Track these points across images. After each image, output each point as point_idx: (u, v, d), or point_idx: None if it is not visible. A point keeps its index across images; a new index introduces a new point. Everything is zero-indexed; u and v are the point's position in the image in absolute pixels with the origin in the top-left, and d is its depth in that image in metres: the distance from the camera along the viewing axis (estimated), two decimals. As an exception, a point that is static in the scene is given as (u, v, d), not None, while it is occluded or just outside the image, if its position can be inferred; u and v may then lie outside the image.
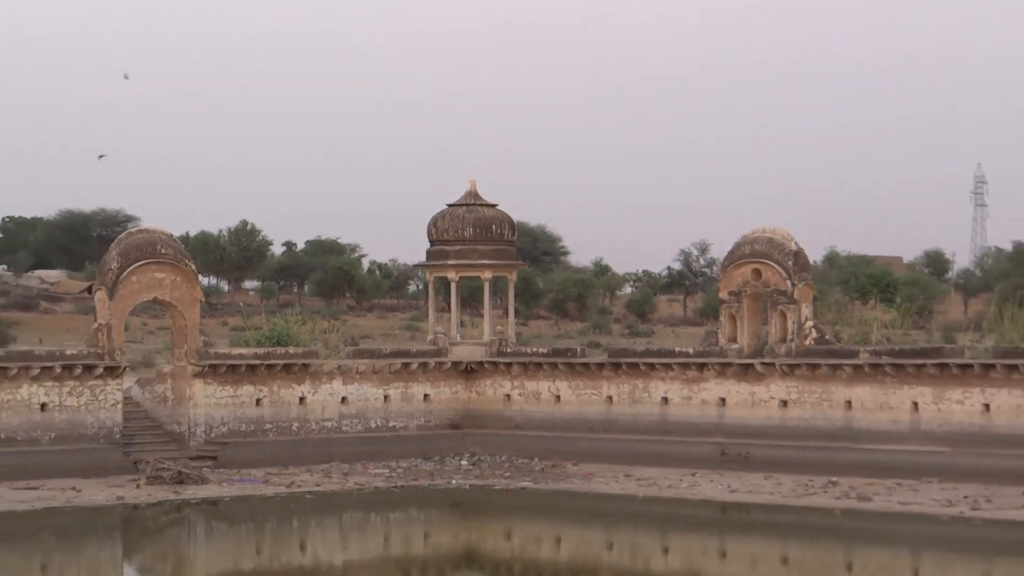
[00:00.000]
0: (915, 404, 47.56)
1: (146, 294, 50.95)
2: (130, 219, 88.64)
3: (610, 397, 54.88)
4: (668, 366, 53.93)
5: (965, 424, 46.65)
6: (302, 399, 53.18)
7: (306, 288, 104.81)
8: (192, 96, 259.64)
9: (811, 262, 57.14)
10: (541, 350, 60.37)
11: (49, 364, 48.10)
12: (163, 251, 50.88)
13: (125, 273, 49.57)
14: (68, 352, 50.35)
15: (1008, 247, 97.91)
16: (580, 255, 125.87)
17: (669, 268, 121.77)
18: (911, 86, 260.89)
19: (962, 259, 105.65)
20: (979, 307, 69.37)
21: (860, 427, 49.04)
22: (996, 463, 44.95)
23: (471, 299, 61.16)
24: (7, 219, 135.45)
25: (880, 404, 48.61)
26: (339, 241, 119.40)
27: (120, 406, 49.20)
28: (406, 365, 56.21)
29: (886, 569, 37.26)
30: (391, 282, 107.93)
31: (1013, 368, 45.60)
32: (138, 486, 45.51)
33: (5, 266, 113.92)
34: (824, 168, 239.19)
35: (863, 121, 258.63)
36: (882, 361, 48.92)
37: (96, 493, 44.37)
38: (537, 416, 56.15)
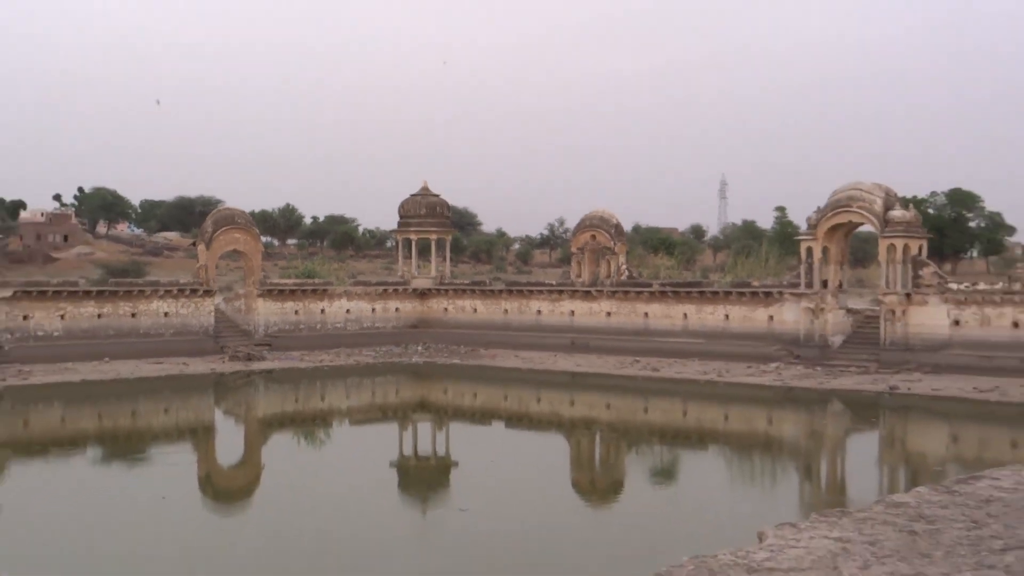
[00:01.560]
0: (685, 314, 52.27)
1: (229, 247, 54.34)
2: (219, 201, 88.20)
3: (506, 309, 58.66)
4: (540, 291, 57.79)
5: (714, 326, 51.34)
6: (323, 310, 56.76)
7: (325, 243, 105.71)
8: (254, 117, 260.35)
9: (625, 230, 60.21)
10: (465, 282, 63.84)
11: (170, 288, 51.76)
12: (239, 221, 54.80)
13: (216, 234, 53.25)
14: (181, 281, 53.53)
15: (739, 222, 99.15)
16: (488, 224, 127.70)
17: (541, 233, 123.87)
18: (673, 110, 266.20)
19: (712, 230, 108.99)
20: (722, 258, 72.13)
21: (653, 328, 53.17)
22: (732, 349, 49.57)
23: (424, 251, 63.97)
24: (143, 201, 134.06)
25: (665, 314, 53.08)
26: (345, 215, 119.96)
27: (212, 314, 52.66)
28: (385, 290, 59.71)
29: (668, 410, 41.04)
30: (376, 240, 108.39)
31: (742, 294, 50.49)
32: (223, 362, 49.03)
33: (143, 230, 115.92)
34: (635, 170, 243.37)
35: (660, 140, 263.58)
36: (665, 289, 53.10)
37: (198, 366, 47.73)
38: (463, 321, 59.60)
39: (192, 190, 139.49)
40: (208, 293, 52.93)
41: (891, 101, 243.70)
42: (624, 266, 56.00)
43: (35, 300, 47.74)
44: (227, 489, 27.71)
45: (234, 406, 42.91)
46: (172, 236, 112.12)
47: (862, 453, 33.43)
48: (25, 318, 47.21)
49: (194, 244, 55.82)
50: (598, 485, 28.53)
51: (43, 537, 20.43)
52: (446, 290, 61.11)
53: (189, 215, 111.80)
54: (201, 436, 36.01)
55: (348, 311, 58.09)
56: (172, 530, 21.27)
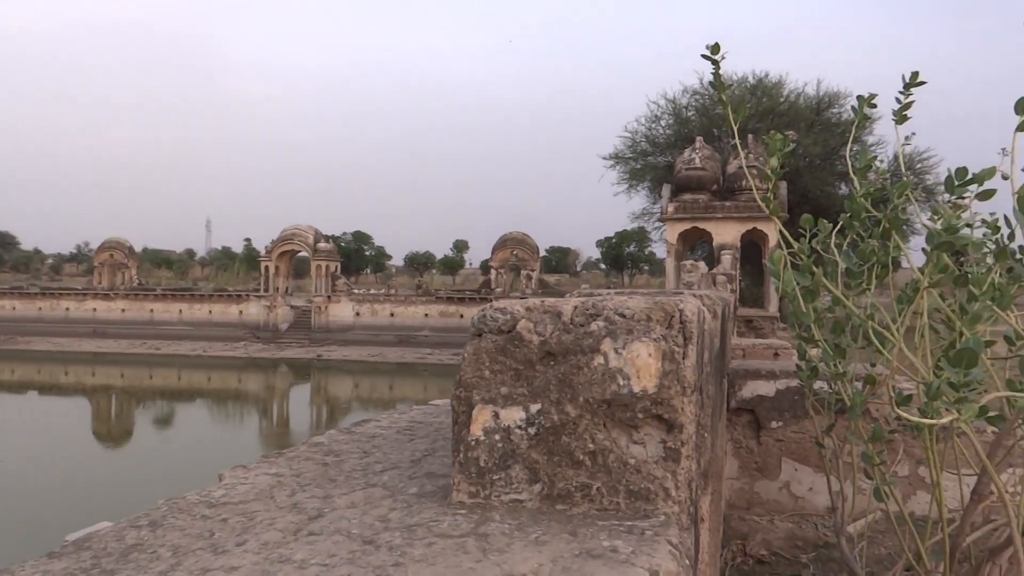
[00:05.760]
0: (180, 310, 48.89)
1: None
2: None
3: (40, 307, 50.18)
4: (70, 293, 50.39)
5: (201, 318, 48.30)
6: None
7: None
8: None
9: (136, 251, 54.49)
10: (5, 287, 53.58)
11: None
12: None
13: None
14: None
15: (220, 247, 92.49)
16: (27, 243, 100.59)
17: (71, 251, 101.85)
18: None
19: (201, 252, 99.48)
20: (208, 272, 64.99)
21: (158, 320, 48.76)
22: (214, 333, 46.58)
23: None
24: None
25: (166, 310, 49.07)
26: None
27: None
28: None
29: (167, 377, 37.44)
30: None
31: (221, 296, 48.13)
32: None
33: None
34: (146, 203, 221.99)
35: (168, 182, 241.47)
36: (166, 292, 49.11)
37: None
38: (3, 316, 50.32)
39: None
40: None
41: (323, 165, 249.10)
42: (135, 276, 52.00)
43: None
44: None
45: None
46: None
47: (300, 401, 33.45)
48: None
49: None
50: (113, 434, 26.27)
51: None
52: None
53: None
54: None
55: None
56: None
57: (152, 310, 49.71)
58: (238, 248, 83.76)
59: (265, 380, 37.38)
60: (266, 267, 48.01)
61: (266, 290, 47.77)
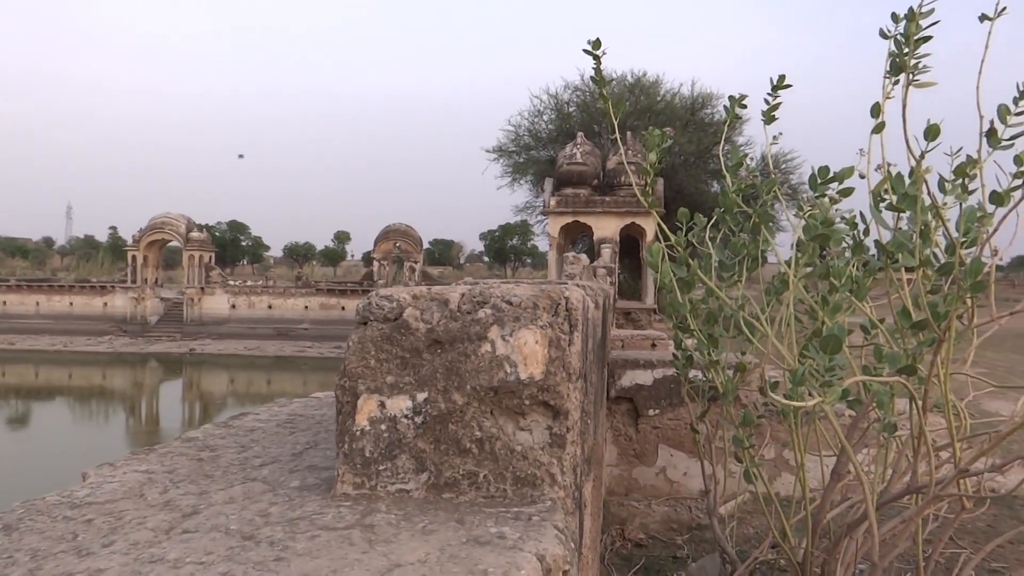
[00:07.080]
0: (37, 302, 45.93)
1: None
2: None
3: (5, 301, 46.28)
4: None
5: (61, 311, 45.93)
6: None
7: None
8: None
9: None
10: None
11: None
12: None
13: None
14: None
15: (83, 236, 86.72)
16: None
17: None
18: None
19: (61, 240, 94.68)
20: (69, 262, 63.94)
21: (11, 313, 45.76)
22: (76, 327, 44.33)
23: None
24: None
25: (21, 302, 46.24)
26: None
27: None
28: None
29: (23, 374, 35.59)
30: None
31: (83, 287, 45.32)
32: None
33: None
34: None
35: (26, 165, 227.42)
36: (21, 283, 46.18)
37: None
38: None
39: None
40: None
41: (196, 152, 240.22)
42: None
43: None
44: None
45: None
46: None
47: (172, 397, 32.40)
48: None
49: None
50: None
51: None
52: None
53: None
54: None
55: None
56: None
57: (5, 302, 46.57)
58: (102, 237, 79.09)
59: (133, 376, 35.93)
60: (133, 257, 45.94)
61: (133, 281, 45.70)
